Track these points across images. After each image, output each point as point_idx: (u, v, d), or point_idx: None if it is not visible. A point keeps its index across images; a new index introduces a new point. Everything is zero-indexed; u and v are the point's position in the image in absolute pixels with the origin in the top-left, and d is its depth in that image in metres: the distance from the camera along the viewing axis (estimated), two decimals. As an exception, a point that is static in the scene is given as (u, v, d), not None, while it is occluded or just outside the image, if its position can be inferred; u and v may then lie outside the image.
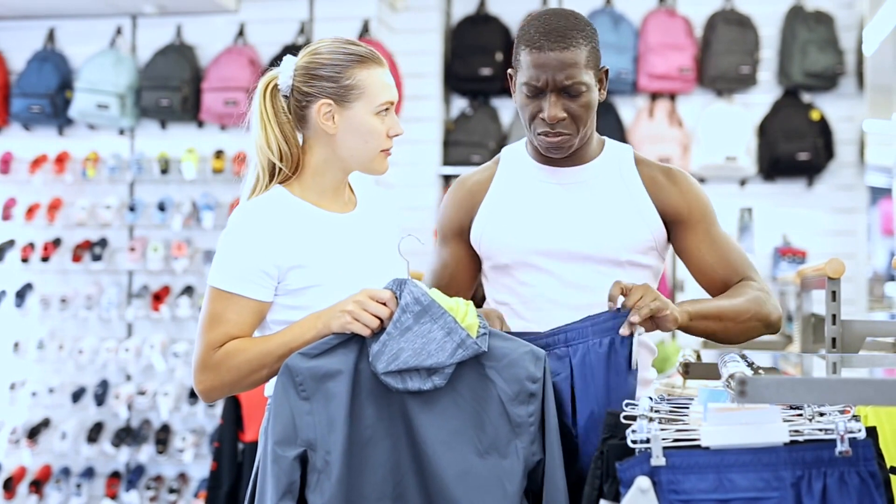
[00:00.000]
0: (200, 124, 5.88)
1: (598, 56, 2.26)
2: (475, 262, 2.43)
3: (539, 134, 2.25)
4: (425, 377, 1.95)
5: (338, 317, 1.99)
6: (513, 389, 2.00)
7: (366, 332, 1.97)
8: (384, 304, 1.97)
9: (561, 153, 2.29)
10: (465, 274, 2.43)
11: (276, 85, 2.20)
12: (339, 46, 2.18)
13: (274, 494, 1.93)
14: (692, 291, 2.44)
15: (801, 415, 1.83)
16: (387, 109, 2.18)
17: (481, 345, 1.97)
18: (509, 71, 2.33)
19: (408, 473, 1.98)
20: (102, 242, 5.87)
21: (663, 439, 1.75)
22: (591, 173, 2.34)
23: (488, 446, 1.98)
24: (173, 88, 5.72)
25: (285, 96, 2.19)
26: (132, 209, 5.80)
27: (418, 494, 1.97)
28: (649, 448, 1.74)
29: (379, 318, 1.97)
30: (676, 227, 2.34)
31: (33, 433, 5.76)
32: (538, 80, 2.20)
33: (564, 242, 2.28)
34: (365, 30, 5.65)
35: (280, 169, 2.17)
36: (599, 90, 2.27)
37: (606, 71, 2.29)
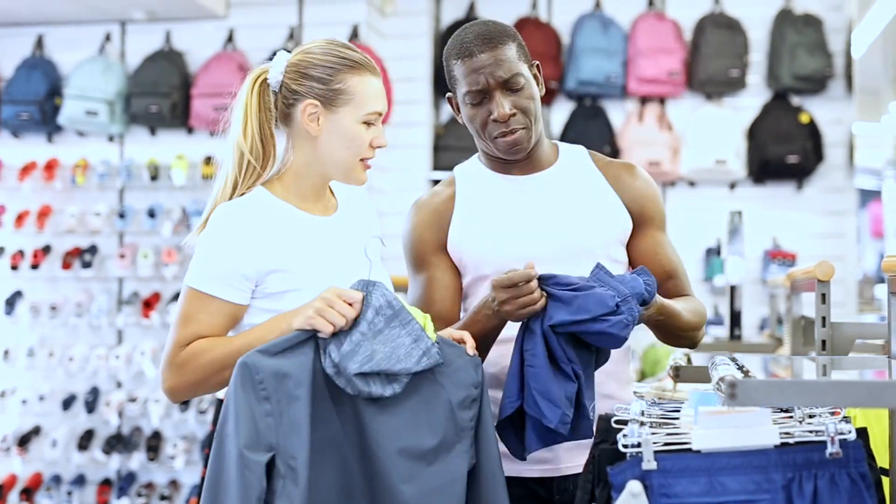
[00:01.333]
0: (190, 130, 5.87)
1: (527, 52, 2.29)
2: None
3: (496, 138, 2.26)
4: (386, 383, 1.94)
5: (301, 312, 1.95)
6: (460, 395, 2.01)
7: (328, 329, 1.92)
8: (351, 305, 1.94)
9: (521, 152, 2.29)
10: (456, 286, 2.37)
11: (265, 79, 2.17)
12: (334, 49, 2.15)
13: None
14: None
15: (791, 417, 1.83)
16: (374, 119, 2.15)
17: (440, 356, 1.98)
18: (448, 95, 2.35)
19: (356, 476, 1.95)
20: (92, 249, 5.86)
21: (654, 443, 1.75)
22: (554, 176, 2.35)
23: (437, 450, 1.97)
24: (162, 95, 5.71)
25: (275, 92, 2.17)
26: (122, 216, 5.78)
27: (365, 498, 1.94)
28: (640, 452, 1.74)
29: (344, 318, 1.93)
30: (639, 223, 2.35)
31: (24, 441, 5.74)
32: (478, 83, 2.22)
33: (543, 245, 2.28)
34: (354, 35, 5.65)
35: (250, 164, 2.13)
36: (537, 85, 2.30)
37: (539, 66, 2.32)
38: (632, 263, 2.36)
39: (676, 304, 2.22)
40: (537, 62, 2.33)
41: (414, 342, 1.94)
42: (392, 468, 1.93)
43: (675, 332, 2.25)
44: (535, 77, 2.30)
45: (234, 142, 2.15)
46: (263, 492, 1.85)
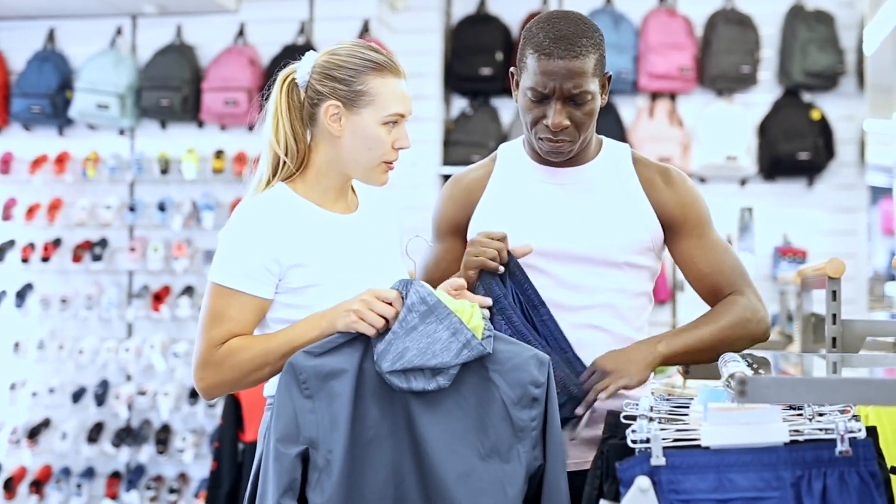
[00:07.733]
0: (200, 124, 5.87)
1: (604, 63, 2.24)
2: None
3: (540, 139, 2.25)
4: (430, 377, 1.95)
5: (343, 316, 1.99)
6: (516, 393, 1.99)
7: (371, 332, 1.97)
8: (390, 303, 1.97)
9: (561, 158, 2.29)
10: (457, 270, 2.39)
11: (293, 79, 2.20)
12: (358, 50, 2.17)
13: (275, 492, 1.92)
14: (693, 292, 2.43)
15: (801, 415, 1.83)
16: (396, 121, 2.16)
17: (486, 346, 1.97)
18: (511, 69, 2.31)
19: (409, 475, 1.97)
20: (103, 242, 5.87)
21: (663, 439, 1.75)
22: (590, 174, 2.34)
23: (490, 449, 1.98)
24: (173, 88, 5.72)
25: (305, 91, 2.19)
26: (132, 209, 5.80)
27: (418, 496, 1.97)
28: (649, 448, 1.74)
29: (384, 318, 1.97)
30: (671, 230, 2.34)
31: (34, 433, 5.76)
32: (545, 87, 2.19)
33: (563, 243, 2.28)
34: (365, 30, 5.64)
35: (284, 163, 2.17)
36: (601, 95, 2.27)
37: (610, 77, 2.28)
38: (680, 269, 2.39)
39: (680, 342, 2.25)
40: (610, 73, 2.27)
41: (452, 335, 1.94)
42: (441, 464, 1.95)
43: (697, 362, 2.29)
44: (603, 86, 2.26)
45: (267, 141, 2.19)
46: (295, 482, 1.94)
